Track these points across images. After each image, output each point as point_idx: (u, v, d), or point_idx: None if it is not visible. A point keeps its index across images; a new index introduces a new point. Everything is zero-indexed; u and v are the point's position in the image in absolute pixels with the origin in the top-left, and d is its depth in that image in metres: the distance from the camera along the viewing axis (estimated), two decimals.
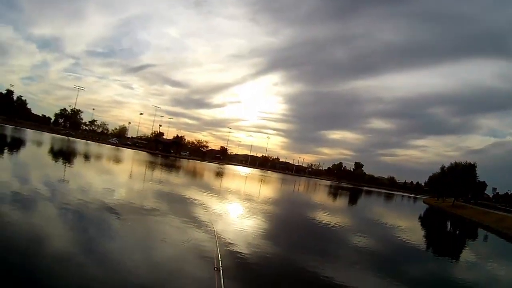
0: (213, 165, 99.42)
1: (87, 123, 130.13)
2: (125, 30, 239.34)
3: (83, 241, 9.25)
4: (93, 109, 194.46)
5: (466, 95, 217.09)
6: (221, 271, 3.84)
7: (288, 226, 19.38)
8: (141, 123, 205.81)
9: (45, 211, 11.67)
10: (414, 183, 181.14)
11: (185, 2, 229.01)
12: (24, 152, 33.44)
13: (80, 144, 68.55)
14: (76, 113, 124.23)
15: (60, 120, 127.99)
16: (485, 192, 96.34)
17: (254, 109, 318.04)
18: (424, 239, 23.70)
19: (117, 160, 48.52)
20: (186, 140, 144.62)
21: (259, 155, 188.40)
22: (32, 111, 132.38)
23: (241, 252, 10.70)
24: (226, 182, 45.72)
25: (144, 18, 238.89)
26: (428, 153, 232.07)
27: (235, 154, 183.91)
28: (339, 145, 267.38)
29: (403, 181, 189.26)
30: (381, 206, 54.76)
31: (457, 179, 60.35)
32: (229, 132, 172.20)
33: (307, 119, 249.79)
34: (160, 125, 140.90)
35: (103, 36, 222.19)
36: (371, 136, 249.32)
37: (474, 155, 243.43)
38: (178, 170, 51.51)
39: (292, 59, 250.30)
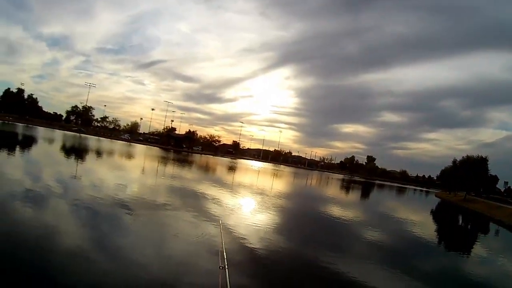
0: (226, 160, 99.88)
1: (99, 119, 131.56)
2: (135, 27, 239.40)
3: (97, 236, 9.50)
4: (105, 105, 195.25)
5: (477, 87, 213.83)
6: (227, 270, 3.88)
7: (300, 220, 19.46)
8: (153, 119, 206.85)
9: (59, 207, 11.95)
10: (426, 176, 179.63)
11: None
12: (35, 150, 34.15)
13: (92, 141, 69.43)
14: (87, 110, 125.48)
15: (72, 117, 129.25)
16: (497, 186, 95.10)
17: (266, 103, 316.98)
18: (436, 234, 23.58)
19: (130, 155, 49.15)
20: (198, 135, 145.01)
21: (272, 149, 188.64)
22: (44, 109, 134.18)
23: (253, 247, 10.84)
24: (238, 177, 45.95)
25: (154, 14, 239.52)
26: (440, 146, 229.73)
27: (248, 148, 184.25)
28: (351, 138, 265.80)
29: (415, 175, 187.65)
30: (393, 200, 54.48)
31: (469, 173, 59.79)
32: (241, 127, 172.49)
33: (319, 113, 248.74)
34: (172, 120, 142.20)
35: (113, 33, 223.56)
36: (383, 129, 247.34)
37: (486, 149, 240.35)
38: (191, 165, 51.94)
39: (303, 52, 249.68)
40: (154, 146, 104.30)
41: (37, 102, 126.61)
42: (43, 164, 23.59)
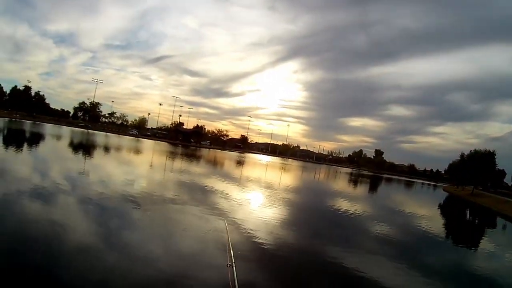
0: (234, 154, 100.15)
1: (106, 115, 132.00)
2: (142, 22, 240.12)
3: (106, 231, 9.77)
4: (112, 101, 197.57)
5: (486, 81, 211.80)
6: (234, 268, 3.95)
7: (308, 214, 19.56)
8: (161, 114, 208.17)
9: (68, 202, 12.21)
10: (434, 170, 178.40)
11: None
12: (42, 146, 34.76)
13: (100, 136, 70.00)
14: (95, 106, 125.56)
15: (79, 114, 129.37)
16: (504, 180, 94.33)
17: (274, 97, 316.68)
18: (443, 228, 23.63)
19: (137, 151, 49.58)
20: (206, 129, 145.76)
21: (280, 143, 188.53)
22: (51, 106, 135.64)
23: (261, 241, 10.98)
24: (247, 171, 46.21)
25: (161, 9, 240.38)
26: (447, 140, 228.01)
27: (256, 142, 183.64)
28: (359, 132, 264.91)
29: (423, 169, 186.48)
30: (401, 194, 54.40)
31: (476, 167, 59.56)
32: (249, 121, 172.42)
33: (327, 107, 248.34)
34: (180, 115, 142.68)
35: (120, 28, 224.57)
36: (391, 123, 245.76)
37: (494, 143, 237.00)
38: (199, 159, 52.31)
39: (311, 46, 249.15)
40: (162, 141, 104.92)
41: (44, 99, 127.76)
42: (51, 160, 24.02)
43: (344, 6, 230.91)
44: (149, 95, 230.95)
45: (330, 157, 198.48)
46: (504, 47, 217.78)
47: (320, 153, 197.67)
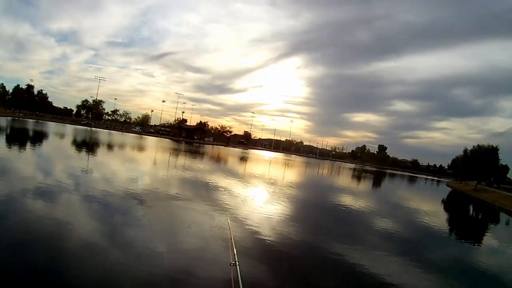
0: (237, 150, 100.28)
1: (110, 113, 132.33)
2: (144, 19, 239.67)
3: (111, 228, 9.86)
4: (115, 99, 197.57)
5: (489, 76, 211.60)
6: (237, 266, 3.96)
7: (312, 210, 19.59)
8: (164, 111, 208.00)
9: (73, 199, 12.30)
10: (438, 166, 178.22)
11: None
12: (45, 145, 35.01)
13: (103, 134, 70.21)
14: (98, 103, 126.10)
15: (82, 112, 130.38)
16: (507, 176, 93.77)
17: (277, 93, 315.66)
18: (446, 223, 23.67)
19: (141, 148, 49.68)
20: (210, 126, 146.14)
21: (283, 139, 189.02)
22: (54, 104, 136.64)
23: (265, 238, 11.04)
24: (250, 167, 46.33)
25: (163, 6, 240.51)
26: (451, 135, 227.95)
27: (259, 138, 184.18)
28: (363, 127, 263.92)
29: (426, 164, 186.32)
30: (404, 189, 54.37)
31: (480, 162, 59.48)
32: (252, 117, 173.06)
33: (330, 102, 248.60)
34: (183, 112, 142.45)
35: (123, 26, 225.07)
36: (394, 118, 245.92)
37: (497, 138, 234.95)
38: (202, 156, 52.37)
39: (314, 42, 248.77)
40: (166, 138, 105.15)
41: (47, 97, 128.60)
42: (54, 158, 24.18)
43: (346, 1, 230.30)
44: (152, 92, 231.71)
45: (334, 152, 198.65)
46: (508, 42, 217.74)
47: (324, 148, 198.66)
